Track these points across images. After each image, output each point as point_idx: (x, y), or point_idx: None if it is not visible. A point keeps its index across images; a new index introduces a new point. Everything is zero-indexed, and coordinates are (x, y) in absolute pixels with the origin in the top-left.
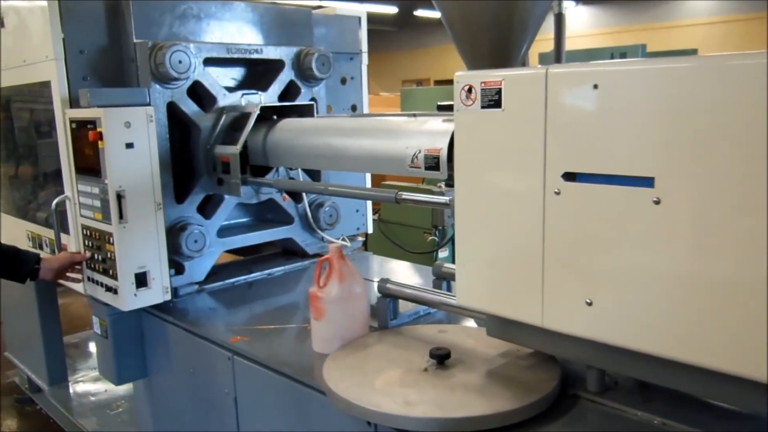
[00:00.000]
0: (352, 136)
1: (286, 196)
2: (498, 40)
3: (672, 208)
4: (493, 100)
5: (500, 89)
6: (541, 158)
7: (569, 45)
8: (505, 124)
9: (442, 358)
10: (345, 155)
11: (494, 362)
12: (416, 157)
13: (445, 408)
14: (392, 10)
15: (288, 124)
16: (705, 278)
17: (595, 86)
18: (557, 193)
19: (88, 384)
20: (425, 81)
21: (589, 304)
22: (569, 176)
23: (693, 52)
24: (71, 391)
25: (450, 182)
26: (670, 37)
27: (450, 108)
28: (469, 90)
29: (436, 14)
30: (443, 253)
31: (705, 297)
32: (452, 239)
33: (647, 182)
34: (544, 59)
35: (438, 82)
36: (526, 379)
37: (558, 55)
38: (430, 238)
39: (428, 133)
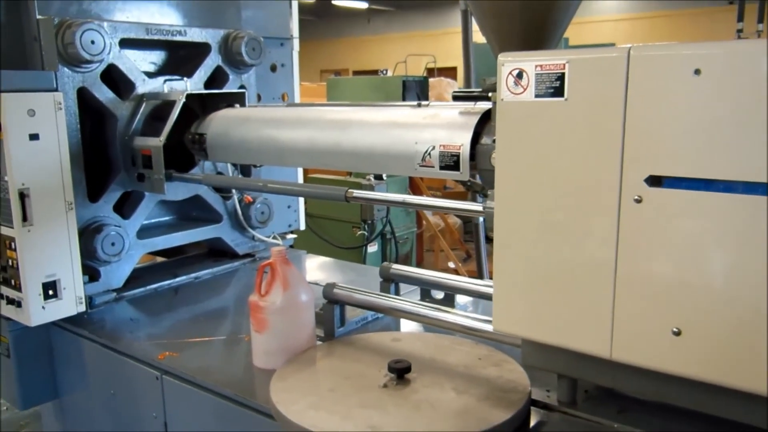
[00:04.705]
0: (343, 129)
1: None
2: (535, 19)
3: None
4: (552, 87)
5: (563, 74)
6: (617, 159)
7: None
8: (569, 116)
9: (402, 372)
10: (334, 151)
11: (457, 373)
12: (428, 154)
13: None
14: None
15: (243, 113)
16: None
17: (697, 71)
18: (638, 201)
19: None
20: (344, 71)
21: (677, 333)
22: (654, 180)
23: (611, 46)
24: None
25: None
26: (581, 32)
27: (468, 98)
28: (519, 75)
29: (355, 4)
30: (372, 248)
31: None
32: (381, 233)
33: (765, 189)
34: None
35: (356, 73)
36: (494, 390)
37: (466, 50)
38: (359, 232)
39: (443, 126)
